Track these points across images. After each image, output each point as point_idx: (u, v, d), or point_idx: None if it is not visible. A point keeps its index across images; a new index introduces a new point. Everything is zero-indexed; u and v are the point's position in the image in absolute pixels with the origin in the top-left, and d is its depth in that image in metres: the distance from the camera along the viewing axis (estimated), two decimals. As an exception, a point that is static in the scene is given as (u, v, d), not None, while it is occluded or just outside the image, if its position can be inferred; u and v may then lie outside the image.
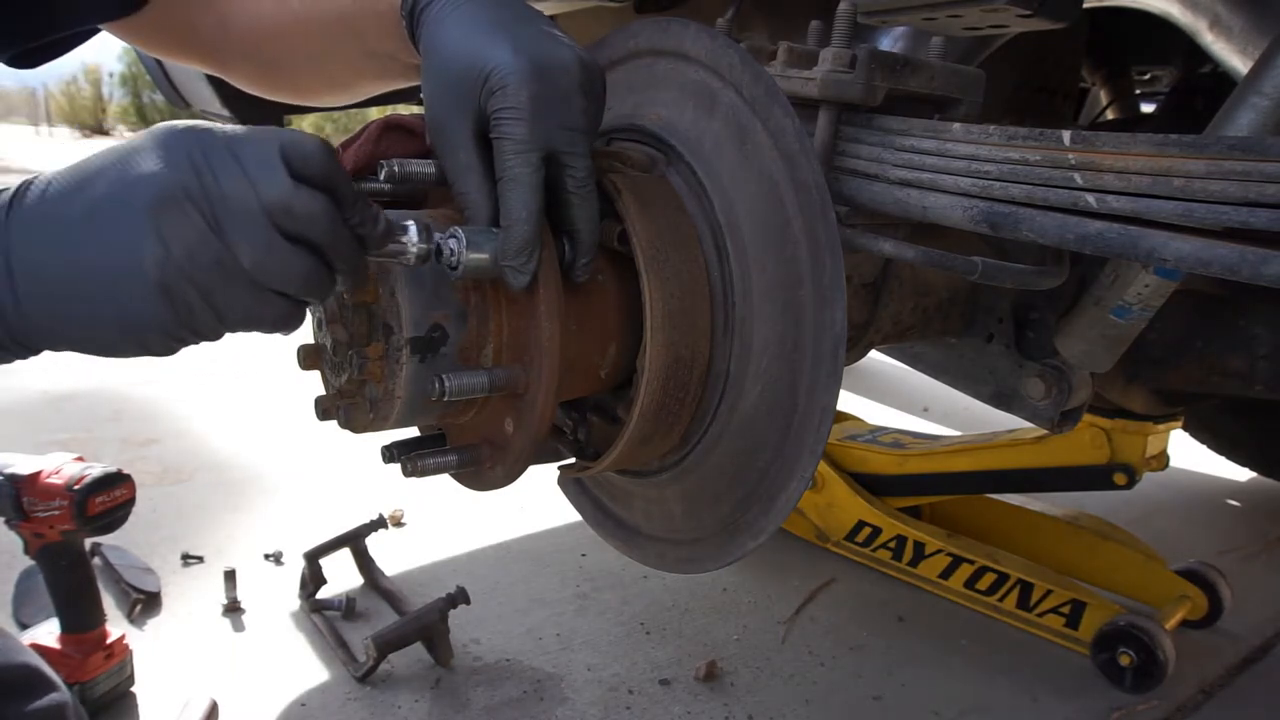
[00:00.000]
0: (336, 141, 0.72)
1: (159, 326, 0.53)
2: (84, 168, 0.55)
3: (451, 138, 0.66)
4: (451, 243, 0.63)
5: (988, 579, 1.87)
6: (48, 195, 0.54)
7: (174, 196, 0.51)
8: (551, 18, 0.73)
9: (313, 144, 0.56)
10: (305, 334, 0.76)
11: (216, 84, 1.88)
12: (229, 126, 0.55)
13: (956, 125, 0.75)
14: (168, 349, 0.55)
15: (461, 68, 0.65)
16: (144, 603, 1.81)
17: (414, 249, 0.62)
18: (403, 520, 2.25)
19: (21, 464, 1.42)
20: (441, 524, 2.23)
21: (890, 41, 1.00)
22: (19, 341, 0.55)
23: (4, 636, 0.89)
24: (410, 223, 0.62)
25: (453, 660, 1.64)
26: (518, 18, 0.67)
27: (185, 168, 0.52)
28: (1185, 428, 2.37)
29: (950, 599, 1.94)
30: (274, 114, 1.98)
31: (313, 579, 1.83)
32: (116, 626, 1.54)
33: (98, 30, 0.90)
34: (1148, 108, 2.22)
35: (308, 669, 1.63)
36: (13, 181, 0.56)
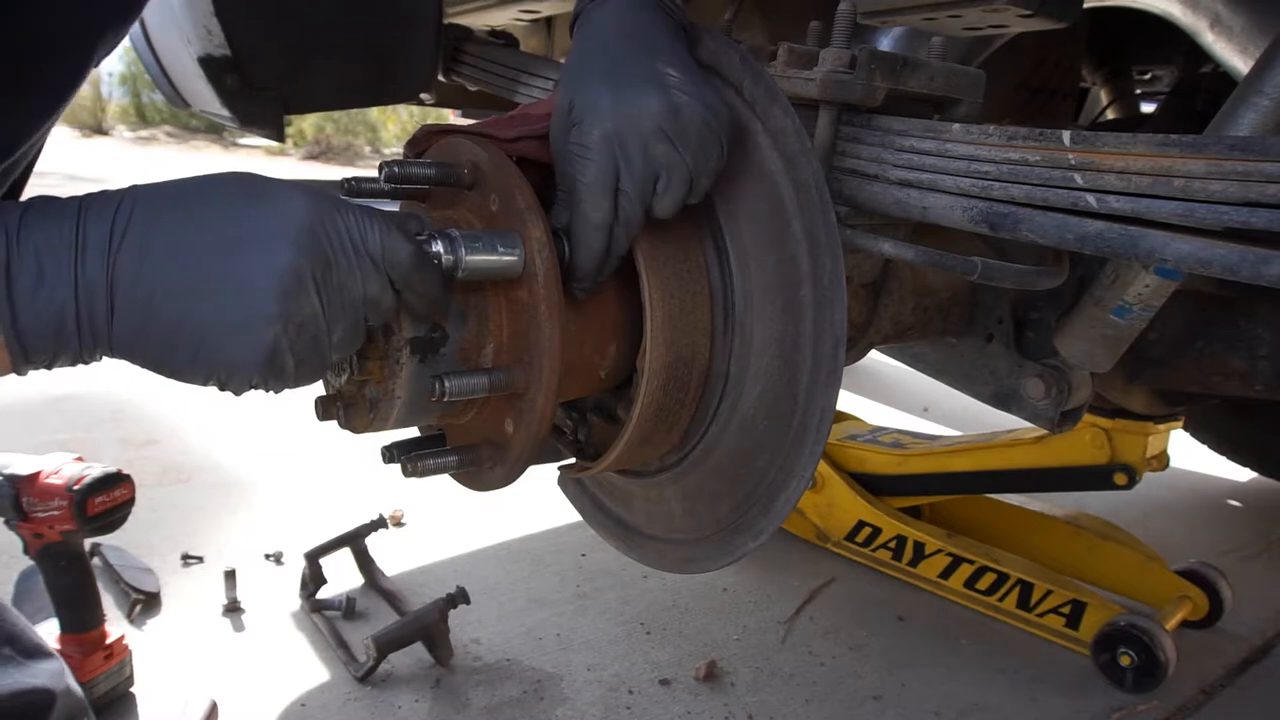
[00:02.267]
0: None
1: (248, 379, 0.58)
2: (209, 194, 0.56)
3: (559, 152, 0.69)
4: (449, 244, 0.63)
5: (988, 579, 1.87)
6: (163, 223, 0.54)
7: (301, 279, 0.56)
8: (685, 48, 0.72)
9: (404, 254, 0.60)
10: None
11: (216, 84, 1.88)
12: (345, 205, 0.59)
13: (956, 125, 0.75)
14: (239, 392, 0.60)
15: (564, 93, 0.68)
16: (144, 603, 1.81)
17: (441, 258, 0.63)
18: (403, 520, 2.25)
19: (21, 464, 1.42)
20: (441, 524, 2.23)
21: (890, 42, 1.00)
22: (93, 351, 0.56)
23: (18, 664, 0.89)
24: (436, 238, 0.63)
25: (453, 660, 1.64)
26: (636, 49, 0.68)
27: (313, 252, 0.56)
28: (1185, 428, 2.37)
29: (950, 599, 1.93)
30: (273, 114, 1.98)
31: (313, 579, 1.83)
32: (116, 626, 1.54)
33: None
34: (1148, 108, 2.22)
35: (308, 669, 1.63)
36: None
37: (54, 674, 0.91)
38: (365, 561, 1.95)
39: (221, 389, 0.59)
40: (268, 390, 0.60)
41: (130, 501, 1.47)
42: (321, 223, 0.57)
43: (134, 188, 0.56)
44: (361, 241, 0.58)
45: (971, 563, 1.89)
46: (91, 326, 0.54)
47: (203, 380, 0.58)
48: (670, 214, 0.68)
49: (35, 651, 0.92)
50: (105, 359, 0.57)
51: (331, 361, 0.61)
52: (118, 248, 0.53)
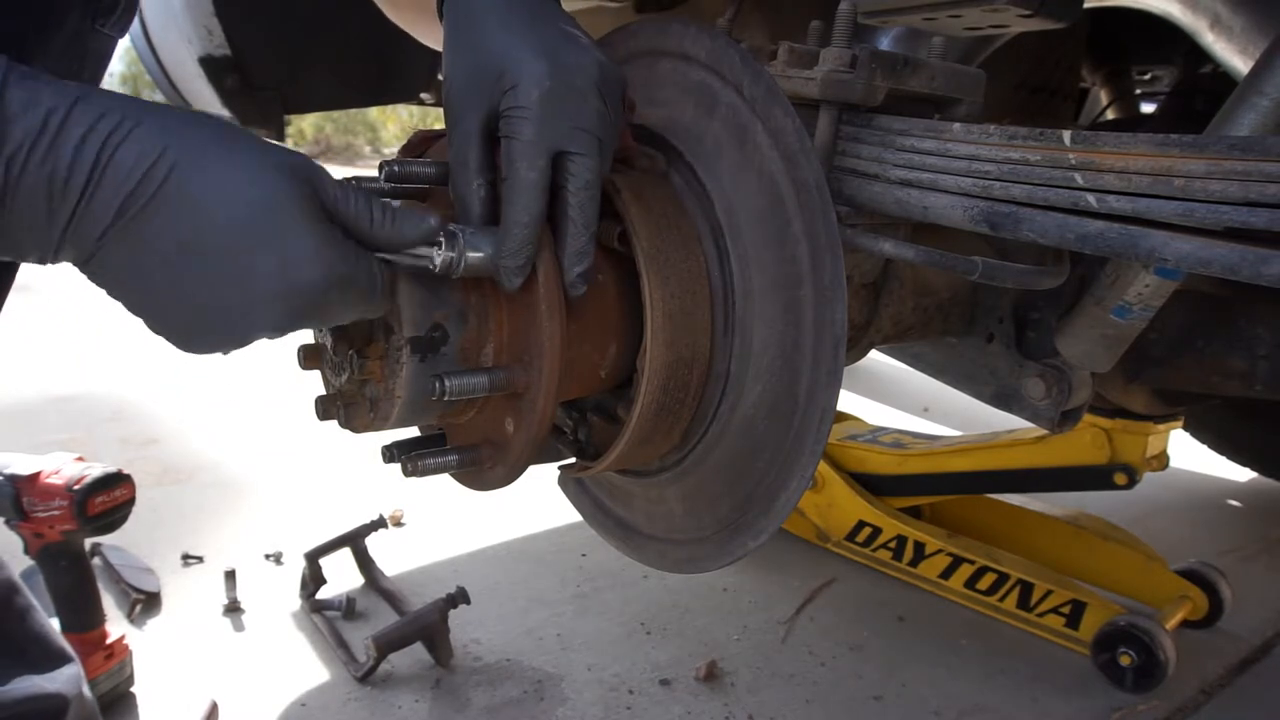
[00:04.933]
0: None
1: (219, 349, 0.58)
2: (248, 166, 0.55)
3: (459, 131, 0.66)
4: (449, 241, 0.63)
5: (988, 579, 1.87)
6: (200, 181, 0.53)
7: (303, 318, 0.57)
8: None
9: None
10: (305, 334, 0.76)
11: (216, 83, 1.88)
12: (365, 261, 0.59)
13: (957, 125, 0.75)
14: (199, 354, 0.59)
15: (478, 62, 0.65)
16: (144, 603, 1.81)
17: (439, 257, 0.62)
18: (403, 520, 2.25)
19: (21, 464, 1.42)
20: (441, 524, 2.23)
21: (890, 41, 1.00)
22: (69, 256, 0.54)
23: (37, 668, 0.90)
24: (440, 234, 0.63)
25: (453, 660, 1.64)
26: (538, 15, 0.67)
27: (340, 282, 0.57)
28: (1185, 428, 2.37)
29: (950, 599, 1.93)
30: (273, 114, 1.98)
31: (313, 579, 1.83)
32: (116, 626, 1.55)
33: None
34: (1148, 108, 2.22)
35: (308, 669, 1.63)
36: None
37: (70, 679, 0.91)
38: (365, 561, 1.95)
39: (187, 350, 0.59)
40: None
41: (130, 501, 1.47)
42: (355, 259, 0.58)
43: (178, 135, 0.53)
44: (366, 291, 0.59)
45: (972, 563, 1.89)
46: (81, 234, 0.52)
47: (172, 341, 0.58)
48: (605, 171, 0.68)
49: (57, 655, 0.92)
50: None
51: None
52: (138, 210, 0.52)
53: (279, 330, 0.57)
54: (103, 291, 0.56)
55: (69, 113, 0.50)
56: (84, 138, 0.50)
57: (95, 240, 0.52)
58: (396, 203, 0.68)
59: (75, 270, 0.55)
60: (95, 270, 0.54)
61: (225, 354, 0.59)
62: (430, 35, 0.98)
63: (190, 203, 0.52)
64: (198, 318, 0.56)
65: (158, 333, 0.57)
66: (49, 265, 0.55)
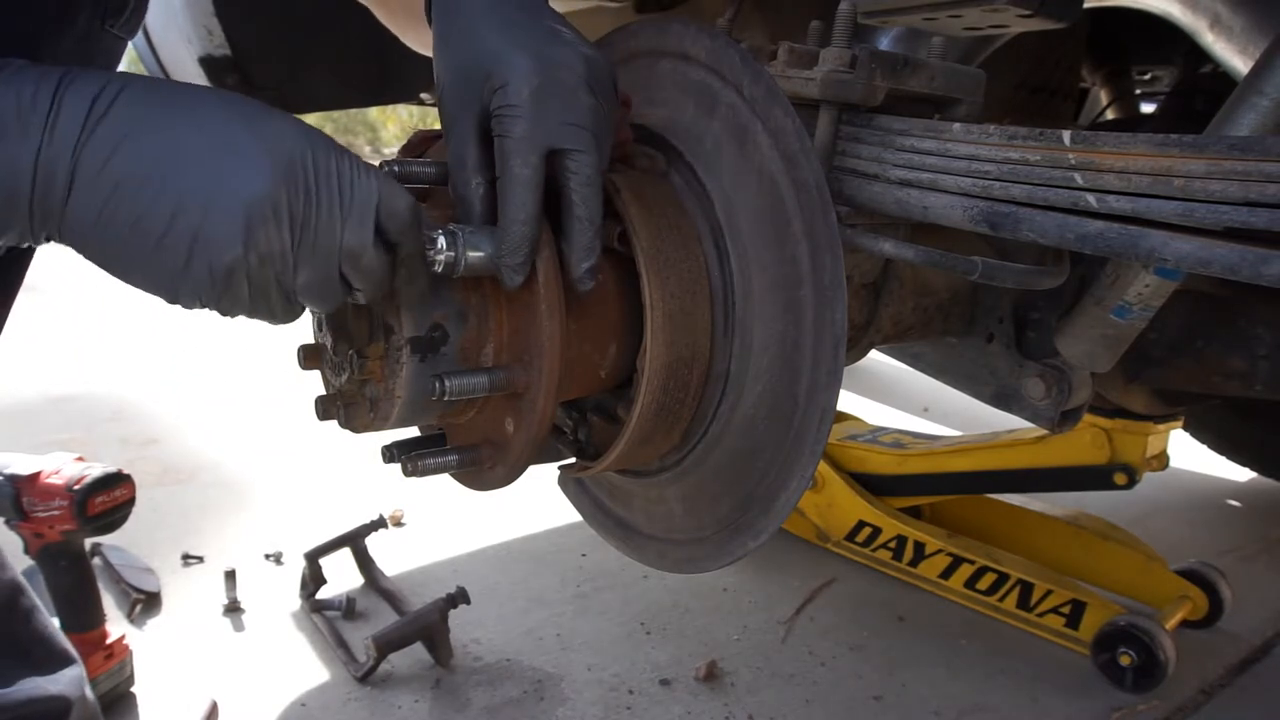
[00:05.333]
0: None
1: (199, 296, 0.56)
2: (200, 103, 0.55)
3: (455, 132, 0.66)
4: (450, 240, 0.63)
5: (988, 579, 1.87)
6: (145, 117, 0.53)
7: (276, 208, 0.54)
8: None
9: (403, 205, 0.59)
10: (305, 333, 0.76)
11: (216, 83, 1.88)
12: (341, 150, 0.57)
13: (956, 125, 0.75)
14: (188, 307, 0.57)
15: (467, 63, 0.65)
16: (144, 603, 1.81)
17: (442, 257, 0.62)
18: (403, 520, 2.25)
19: (21, 464, 1.42)
20: (441, 524, 2.23)
21: (890, 42, 1.00)
22: (42, 229, 0.54)
23: (41, 670, 0.90)
24: (439, 233, 0.62)
25: (453, 660, 1.64)
26: (524, 13, 0.67)
27: (295, 185, 0.54)
28: (1185, 428, 2.37)
29: (950, 599, 1.94)
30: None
31: (313, 579, 1.83)
32: (116, 626, 1.55)
33: None
34: (1148, 108, 2.22)
35: (308, 669, 1.63)
36: None
37: (73, 681, 0.92)
38: (365, 561, 1.95)
39: (169, 301, 0.57)
40: (219, 312, 0.58)
41: (130, 501, 1.47)
42: (312, 158, 0.55)
43: (125, 75, 0.54)
44: (350, 187, 0.56)
45: (972, 563, 1.89)
46: (45, 203, 0.52)
47: (150, 288, 0.56)
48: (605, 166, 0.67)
49: (60, 657, 0.92)
50: (54, 243, 0.56)
51: (296, 304, 0.59)
52: (93, 129, 0.51)
53: (244, 242, 0.54)
54: (81, 257, 0.55)
55: (21, 68, 0.52)
56: (39, 79, 0.51)
57: (65, 187, 0.52)
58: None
59: (74, 272, 0.55)
60: (67, 228, 0.53)
61: (220, 310, 0.57)
62: (419, 40, 0.98)
63: (144, 104, 0.53)
64: (162, 238, 0.53)
65: (134, 282, 0.56)
66: (31, 244, 0.55)
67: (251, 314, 0.58)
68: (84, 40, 0.74)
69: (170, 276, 0.54)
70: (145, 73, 2.07)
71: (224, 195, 0.53)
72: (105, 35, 0.76)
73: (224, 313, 0.58)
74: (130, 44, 0.82)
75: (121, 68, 0.83)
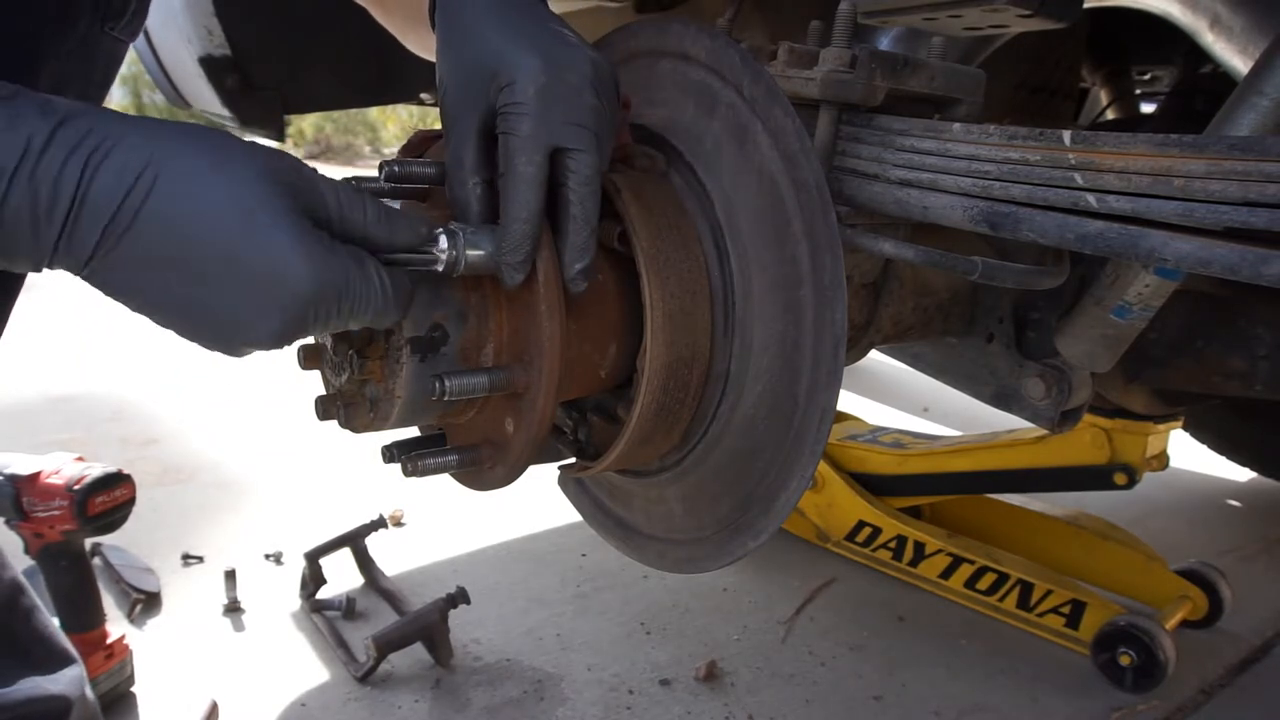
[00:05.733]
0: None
1: (229, 354, 0.59)
2: (235, 190, 0.54)
3: (456, 131, 0.66)
4: (450, 240, 0.63)
5: (988, 579, 1.87)
6: (175, 220, 0.53)
7: (307, 323, 0.57)
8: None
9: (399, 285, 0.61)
10: (305, 334, 0.76)
11: (217, 84, 1.88)
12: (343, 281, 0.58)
13: (956, 125, 0.75)
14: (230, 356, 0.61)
15: (472, 63, 0.65)
16: (144, 603, 1.81)
17: (443, 257, 0.62)
18: (403, 520, 2.25)
19: (21, 464, 1.42)
20: (441, 524, 2.23)
21: (890, 42, 1.00)
22: (66, 266, 0.54)
23: (41, 669, 0.90)
24: (440, 233, 0.63)
25: (453, 660, 1.64)
26: (528, 16, 0.67)
27: (336, 285, 0.56)
28: (1185, 428, 2.37)
29: (950, 599, 1.94)
30: (274, 114, 1.98)
31: (313, 579, 1.83)
32: (116, 626, 1.55)
33: None
34: (1148, 108, 2.22)
35: (308, 669, 1.63)
36: None
37: (73, 680, 0.92)
38: (365, 561, 1.95)
39: (207, 346, 0.60)
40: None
41: (130, 501, 1.47)
42: (331, 286, 0.57)
43: (159, 147, 0.53)
44: (357, 306, 0.59)
45: (972, 563, 1.89)
46: (73, 250, 0.52)
47: (198, 339, 0.59)
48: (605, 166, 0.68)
49: (60, 656, 0.92)
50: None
51: None
52: (120, 234, 0.52)
53: (281, 338, 0.57)
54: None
55: (51, 136, 0.50)
56: (65, 161, 0.50)
57: (85, 262, 0.52)
58: (396, 203, 0.68)
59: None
60: (93, 282, 0.54)
61: (239, 359, 0.60)
62: (419, 43, 0.98)
63: (171, 219, 0.52)
64: (197, 327, 0.56)
65: (175, 332, 0.58)
66: (46, 272, 0.55)
67: None
68: (85, 42, 0.74)
69: (209, 346, 0.58)
70: (144, 71, 2.07)
71: (258, 323, 0.55)
72: (106, 38, 0.76)
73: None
74: (131, 45, 0.83)
75: (121, 69, 0.83)
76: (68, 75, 0.74)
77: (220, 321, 0.55)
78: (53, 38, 0.70)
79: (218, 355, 0.60)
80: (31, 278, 0.84)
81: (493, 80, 0.64)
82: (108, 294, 0.55)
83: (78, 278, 0.54)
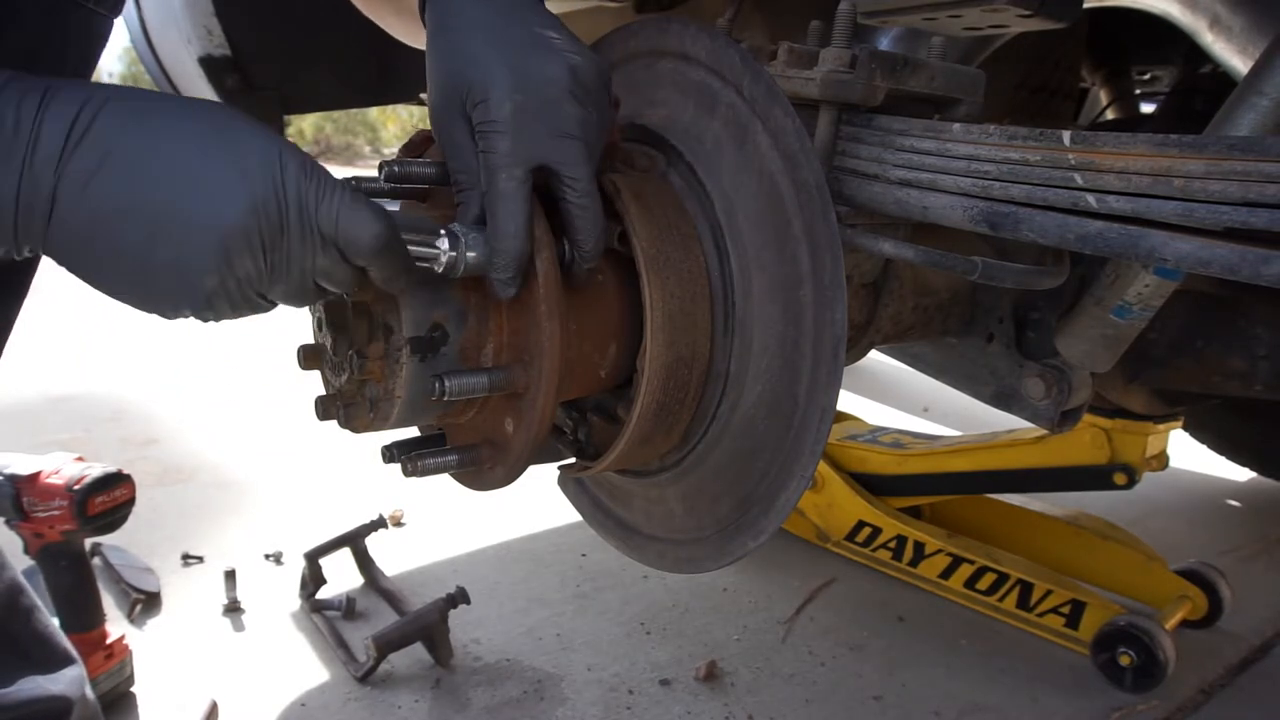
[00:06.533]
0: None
1: (180, 312, 0.57)
2: (180, 122, 0.55)
3: (450, 139, 0.66)
4: (451, 240, 0.63)
5: (988, 579, 1.87)
6: (125, 142, 0.53)
7: (249, 237, 0.55)
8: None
9: (367, 235, 0.58)
10: (305, 334, 0.76)
11: (217, 84, 1.88)
12: (312, 172, 0.57)
13: (956, 125, 0.75)
14: (170, 318, 0.59)
15: (450, 75, 0.65)
16: (144, 603, 1.81)
17: (445, 257, 0.62)
18: (403, 520, 2.25)
19: (21, 464, 1.42)
20: (441, 524, 2.23)
21: (890, 42, 1.00)
22: (24, 248, 0.54)
23: (42, 670, 0.90)
24: (441, 233, 0.63)
25: (453, 660, 1.64)
26: (510, 18, 0.66)
27: (269, 214, 0.55)
28: (1185, 428, 2.37)
29: (950, 599, 1.94)
30: (274, 114, 1.99)
31: (313, 579, 1.83)
32: (116, 626, 1.55)
33: None
34: (1148, 108, 2.22)
35: (308, 669, 1.63)
36: None
37: (74, 681, 0.92)
38: (365, 561, 1.95)
39: (152, 313, 0.59)
40: (202, 321, 0.60)
41: (130, 501, 1.47)
42: (284, 184, 0.56)
43: (105, 89, 0.54)
44: (315, 213, 0.57)
45: (971, 563, 1.89)
46: (28, 225, 0.52)
47: (132, 305, 0.57)
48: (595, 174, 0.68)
49: (61, 656, 0.92)
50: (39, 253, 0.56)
51: (276, 303, 0.61)
52: (71, 151, 0.52)
53: (221, 270, 0.55)
54: (64, 269, 0.56)
55: (5, 84, 0.51)
56: (19, 104, 0.51)
57: (48, 203, 0.52)
58: (396, 203, 0.68)
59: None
60: (51, 242, 0.53)
61: (203, 320, 0.59)
62: (407, 33, 0.97)
63: (116, 131, 0.53)
64: (139, 265, 0.54)
65: (116, 298, 0.57)
66: (15, 256, 0.55)
67: (234, 319, 0.60)
68: (52, 14, 0.72)
69: (152, 298, 0.56)
70: (144, 71, 2.07)
71: (199, 226, 0.54)
72: (79, 10, 0.74)
73: (207, 320, 0.59)
74: (131, 45, 0.82)
75: (121, 68, 0.83)
76: (34, 50, 0.72)
77: (166, 256, 0.54)
78: (6, 4, 0.68)
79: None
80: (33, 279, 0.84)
81: (468, 94, 0.64)
82: (63, 258, 0.54)
83: (42, 245, 0.54)
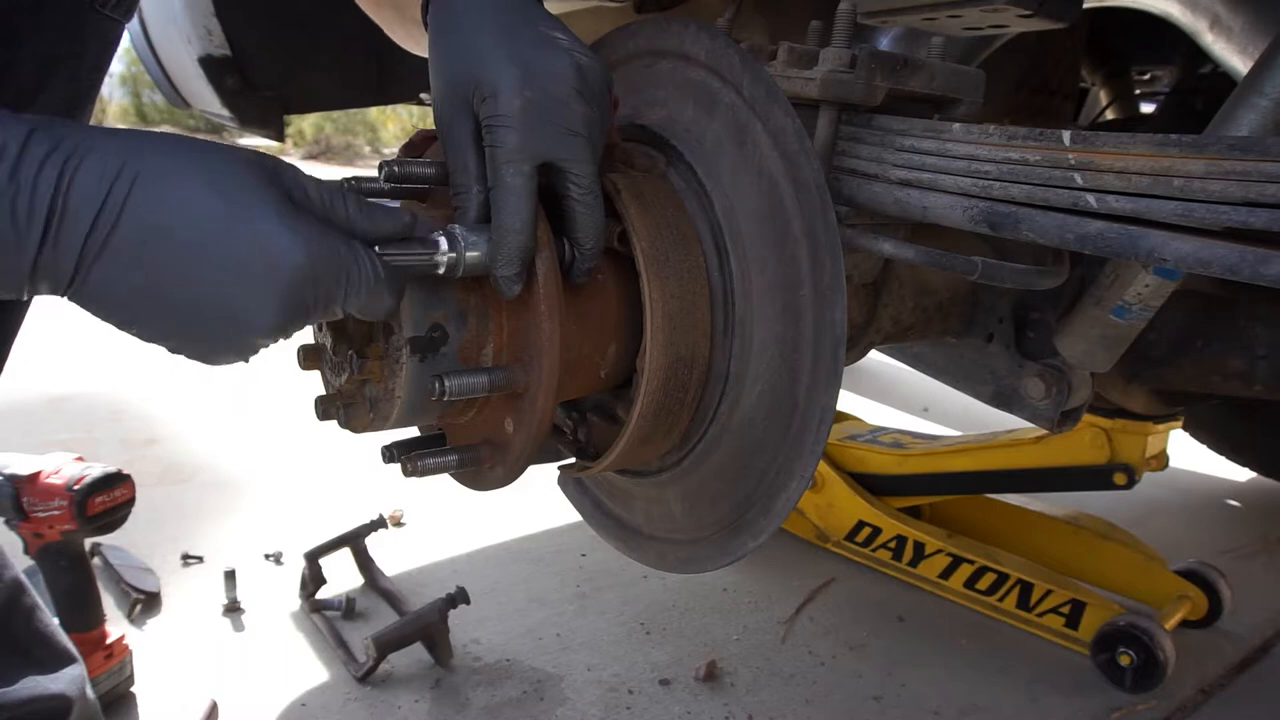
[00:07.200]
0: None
1: (234, 358, 0.58)
2: (216, 193, 0.53)
3: (453, 137, 0.66)
4: (450, 241, 0.63)
5: (988, 579, 1.87)
6: (157, 225, 0.52)
7: (299, 313, 0.56)
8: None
9: (383, 308, 0.60)
10: (305, 334, 0.76)
11: (217, 84, 1.88)
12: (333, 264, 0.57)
13: (956, 125, 0.75)
14: (211, 364, 0.59)
15: (457, 71, 0.65)
16: (144, 603, 1.81)
17: (444, 258, 0.62)
18: (403, 520, 2.25)
19: (21, 464, 1.42)
20: (441, 524, 2.23)
21: (890, 42, 1.00)
22: (52, 286, 0.52)
23: (42, 669, 0.90)
24: (440, 233, 0.63)
25: (453, 660, 1.64)
26: (516, 18, 0.66)
27: (329, 261, 0.56)
28: (1185, 428, 2.37)
29: (950, 599, 1.94)
30: (273, 114, 1.99)
31: (313, 579, 1.83)
32: (116, 626, 1.55)
33: None
34: (1148, 108, 2.22)
35: (308, 669, 1.63)
36: None
37: (74, 680, 0.92)
38: (365, 561, 1.95)
39: (197, 357, 0.59)
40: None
41: (130, 501, 1.47)
42: (323, 275, 0.56)
43: (134, 151, 0.52)
44: (347, 292, 0.58)
45: (971, 563, 1.89)
46: (51, 288, 0.51)
47: (177, 351, 0.57)
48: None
49: (61, 656, 0.92)
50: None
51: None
52: (107, 233, 0.50)
53: (279, 327, 0.55)
54: (94, 315, 0.54)
55: (26, 142, 0.49)
56: (41, 166, 0.49)
57: (70, 276, 0.51)
58: (396, 203, 0.68)
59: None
60: (78, 300, 0.52)
61: (246, 362, 0.59)
62: (408, 37, 0.98)
63: (154, 216, 0.51)
64: (193, 331, 0.54)
65: (168, 348, 0.56)
66: (27, 297, 0.53)
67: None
68: (71, 19, 0.72)
69: (200, 353, 0.57)
70: (144, 71, 2.07)
71: (251, 319, 0.54)
72: (94, 15, 0.75)
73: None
74: (131, 46, 0.82)
75: (120, 68, 0.83)
76: (55, 56, 0.72)
77: (216, 319, 0.54)
78: (32, 12, 0.68)
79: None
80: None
81: (476, 90, 0.64)
82: (95, 310, 0.53)
83: (62, 297, 0.52)
